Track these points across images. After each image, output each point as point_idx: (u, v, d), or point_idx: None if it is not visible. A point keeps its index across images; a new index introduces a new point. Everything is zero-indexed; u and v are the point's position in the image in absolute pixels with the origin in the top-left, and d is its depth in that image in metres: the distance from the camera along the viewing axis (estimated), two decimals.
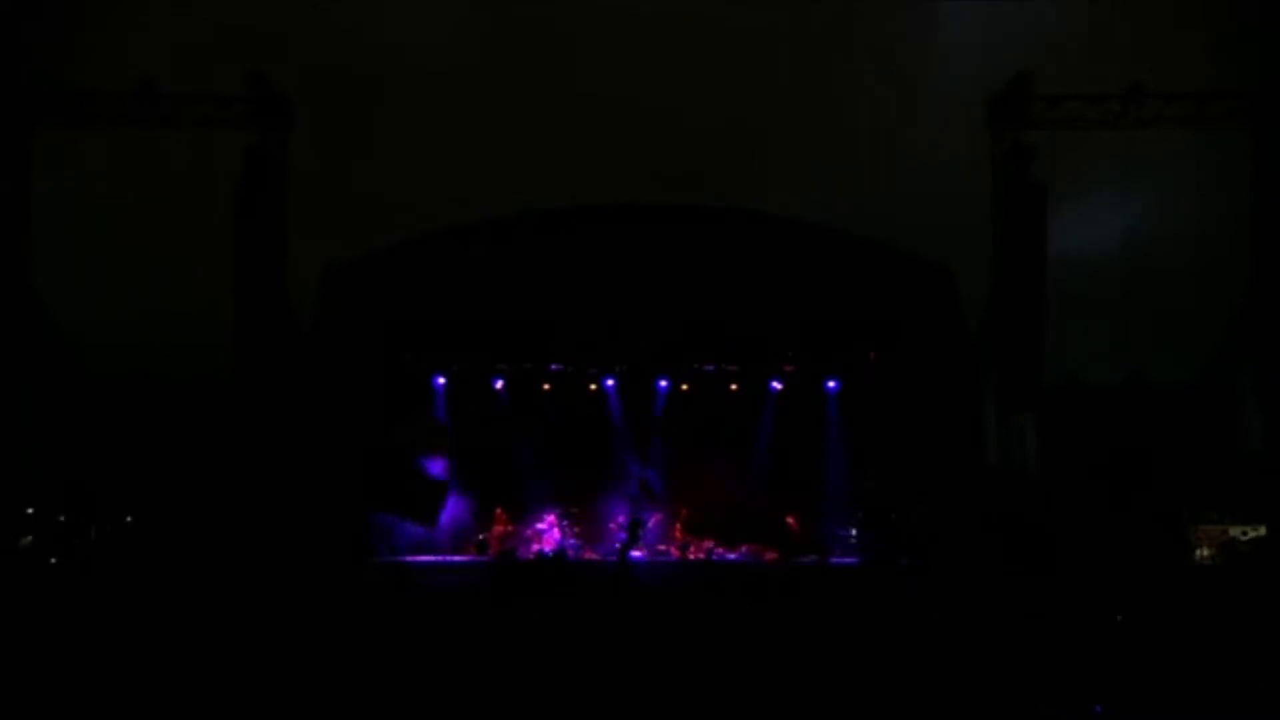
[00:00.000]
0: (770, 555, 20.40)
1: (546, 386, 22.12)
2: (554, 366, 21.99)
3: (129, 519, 18.13)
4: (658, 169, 20.15)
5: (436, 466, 21.58)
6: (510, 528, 21.21)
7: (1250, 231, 18.66)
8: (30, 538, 17.37)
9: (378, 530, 20.43)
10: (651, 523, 21.35)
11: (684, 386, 22.13)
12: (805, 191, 20.15)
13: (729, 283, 20.54)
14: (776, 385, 22.05)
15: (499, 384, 22.03)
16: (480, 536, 20.98)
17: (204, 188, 18.42)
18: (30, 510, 17.61)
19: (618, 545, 20.41)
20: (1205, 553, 17.76)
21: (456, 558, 20.69)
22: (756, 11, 20.18)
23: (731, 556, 20.61)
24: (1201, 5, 19.18)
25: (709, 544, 20.80)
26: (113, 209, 19.19)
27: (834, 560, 20.10)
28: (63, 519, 17.65)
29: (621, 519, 21.07)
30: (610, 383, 22.09)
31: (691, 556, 20.62)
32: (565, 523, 21.31)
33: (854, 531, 20.86)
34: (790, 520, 21.17)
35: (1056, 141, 17.96)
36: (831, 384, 22.00)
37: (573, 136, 20.27)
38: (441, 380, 21.95)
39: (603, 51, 20.15)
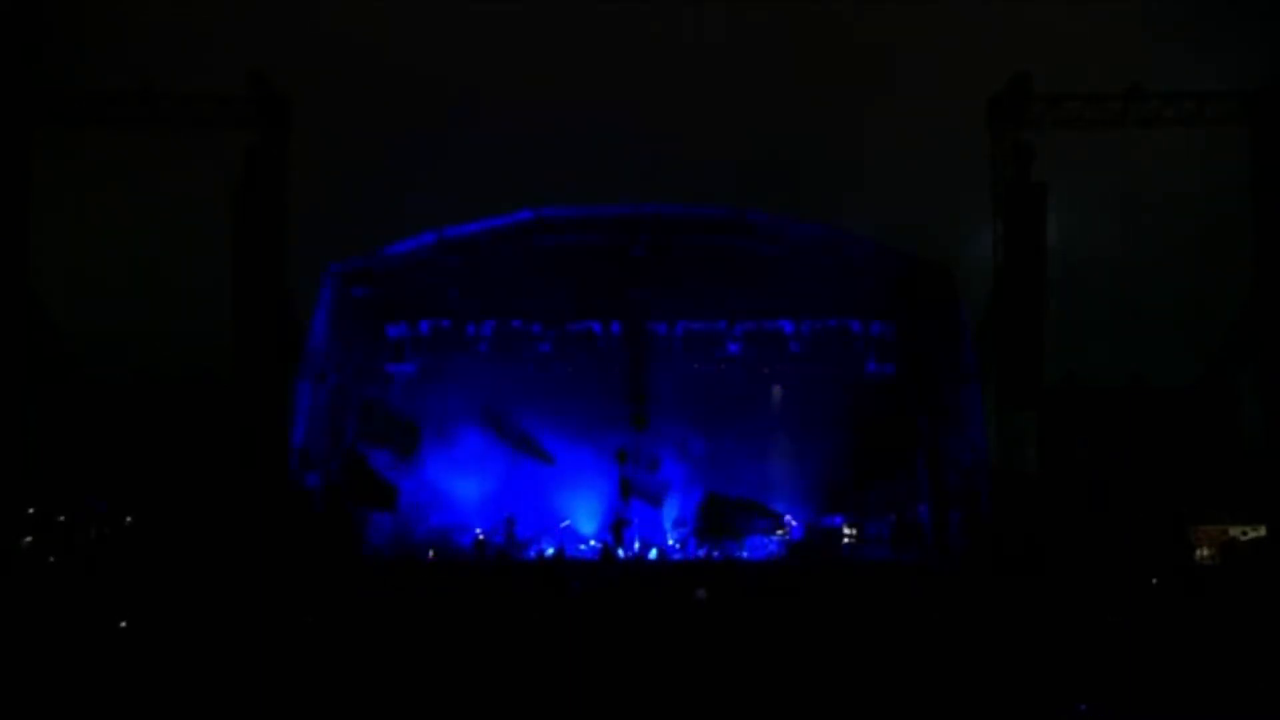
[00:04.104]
0: (771, 554, 20.39)
1: (546, 387, 22.10)
2: (555, 366, 21.99)
3: (128, 519, 18.13)
4: (658, 173, 20.22)
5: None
6: (512, 527, 21.20)
7: (1250, 231, 18.66)
8: (30, 538, 17.38)
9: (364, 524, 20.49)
10: (653, 523, 21.35)
11: (684, 387, 22.10)
12: (805, 191, 20.20)
13: (730, 283, 20.56)
14: (777, 385, 22.03)
15: (498, 384, 22.00)
16: (480, 536, 20.97)
17: (204, 188, 18.43)
18: (30, 510, 17.62)
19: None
20: (1205, 553, 17.78)
21: (457, 558, 20.66)
22: (756, 12, 20.22)
23: (734, 554, 20.60)
24: (1201, 5, 19.19)
25: (710, 542, 20.78)
26: (113, 209, 19.19)
27: (835, 559, 20.09)
28: (63, 519, 17.68)
29: (612, 519, 21.11)
30: (610, 383, 22.04)
31: (693, 555, 20.62)
32: (565, 522, 21.32)
33: (855, 531, 20.86)
34: (791, 519, 21.17)
35: (1056, 141, 17.98)
36: (832, 383, 21.97)
37: (573, 136, 20.33)
38: (440, 380, 21.91)
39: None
